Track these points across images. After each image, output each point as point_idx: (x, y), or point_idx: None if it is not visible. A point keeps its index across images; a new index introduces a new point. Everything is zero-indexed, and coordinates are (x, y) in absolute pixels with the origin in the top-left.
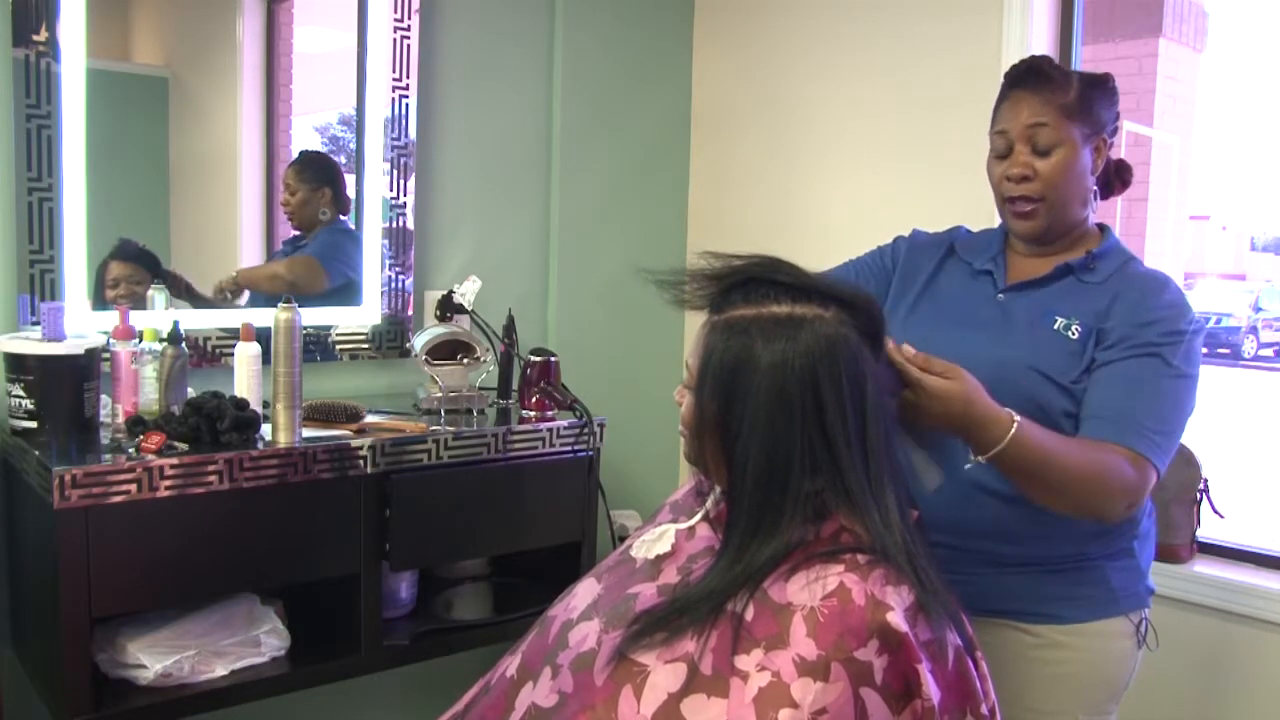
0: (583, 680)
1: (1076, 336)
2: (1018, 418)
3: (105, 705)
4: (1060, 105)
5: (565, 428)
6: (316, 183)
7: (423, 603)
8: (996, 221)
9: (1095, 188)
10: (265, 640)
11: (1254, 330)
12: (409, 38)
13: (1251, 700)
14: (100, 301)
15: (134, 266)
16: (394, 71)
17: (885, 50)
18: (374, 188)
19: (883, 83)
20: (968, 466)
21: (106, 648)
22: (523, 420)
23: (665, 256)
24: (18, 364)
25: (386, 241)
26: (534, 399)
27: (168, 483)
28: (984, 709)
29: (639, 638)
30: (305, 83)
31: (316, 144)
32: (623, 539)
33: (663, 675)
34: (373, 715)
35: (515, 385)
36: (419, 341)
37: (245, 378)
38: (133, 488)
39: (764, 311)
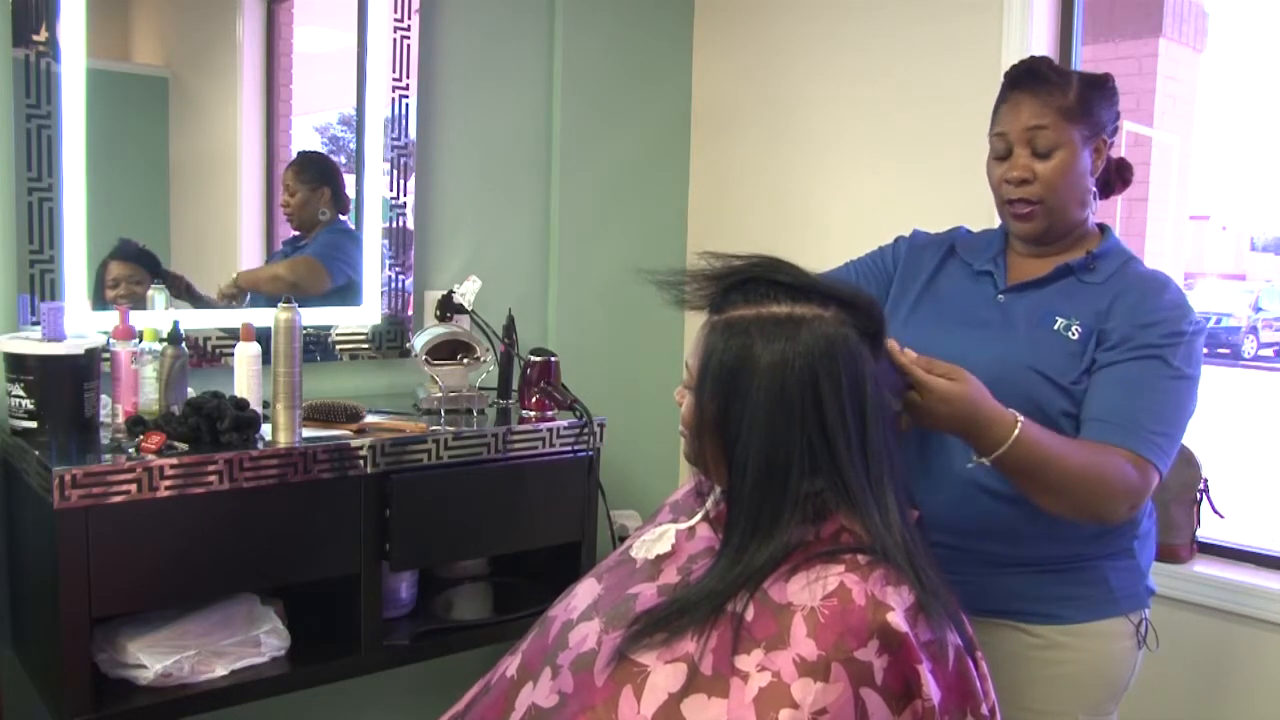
0: (583, 680)
1: (1077, 337)
2: (1021, 418)
3: (105, 705)
4: (1060, 108)
5: (565, 428)
6: (315, 183)
7: (423, 603)
8: (996, 222)
9: (1095, 189)
10: (265, 640)
11: (1254, 330)
12: (409, 38)
13: (1251, 700)
14: (100, 301)
15: (134, 266)
16: (394, 71)
17: (885, 50)
18: (374, 188)
19: (883, 83)
20: (970, 466)
21: (106, 648)
22: (523, 420)
23: (665, 256)
24: (18, 364)
25: (386, 241)
26: (534, 399)
27: (168, 483)
28: (984, 709)
29: (639, 638)
30: (305, 83)
31: (316, 144)
32: (623, 539)
33: (663, 675)
34: (373, 715)
35: (515, 385)
36: (419, 341)
37: (245, 378)
38: (133, 488)
39: (764, 311)
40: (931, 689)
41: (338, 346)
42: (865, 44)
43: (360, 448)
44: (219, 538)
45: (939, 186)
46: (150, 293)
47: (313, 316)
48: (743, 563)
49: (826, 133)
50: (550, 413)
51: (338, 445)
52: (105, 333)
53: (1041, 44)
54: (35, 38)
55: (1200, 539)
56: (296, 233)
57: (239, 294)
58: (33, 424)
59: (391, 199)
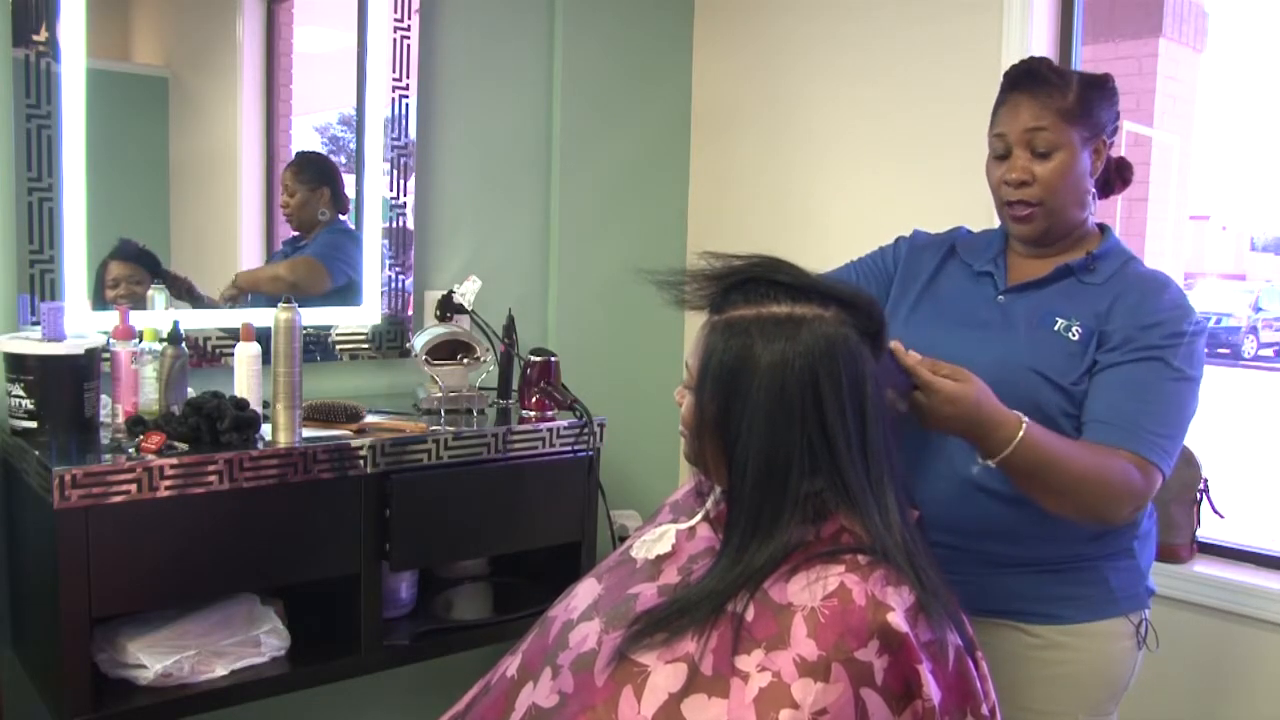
0: (583, 680)
1: (1077, 338)
2: (1026, 419)
3: (105, 705)
4: (1059, 109)
5: (565, 428)
6: (315, 183)
7: (423, 603)
8: (996, 222)
9: (1094, 189)
10: (265, 640)
11: (1254, 330)
12: (409, 38)
13: (1251, 700)
14: (100, 301)
15: (134, 266)
16: (394, 71)
17: (885, 50)
18: (374, 188)
19: (883, 83)
20: (975, 470)
21: (106, 648)
22: (523, 420)
23: (665, 256)
24: (18, 364)
25: (386, 241)
26: (534, 399)
27: (168, 483)
28: (984, 709)
29: (639, 638)
30: (305, 83)
31: (316, 144)
32: (623, 539)
33: (663, 675)
34: (373, 715)
35: (515, 385)
36: (419, 341)
37: (245, 378)
38: (133, 488)
39: (764, 312)
40: (932, 689)
41: (338, 346)
42: (865, 44)
43: (360, 448)
44: (219, 538)
45: (939, 186)
46: (150, 293)
47: (313, 316)
48: (743, 563)
49: (826, 133)
50: (550, 413)
51: (338, 445)
52: (105, 333)
53: (1041, 44)
54: (35, 38)
55: (1200, 539)
56: (296, 233)
57: (239, 295)
58: (33, 424)
59: (391, 199)
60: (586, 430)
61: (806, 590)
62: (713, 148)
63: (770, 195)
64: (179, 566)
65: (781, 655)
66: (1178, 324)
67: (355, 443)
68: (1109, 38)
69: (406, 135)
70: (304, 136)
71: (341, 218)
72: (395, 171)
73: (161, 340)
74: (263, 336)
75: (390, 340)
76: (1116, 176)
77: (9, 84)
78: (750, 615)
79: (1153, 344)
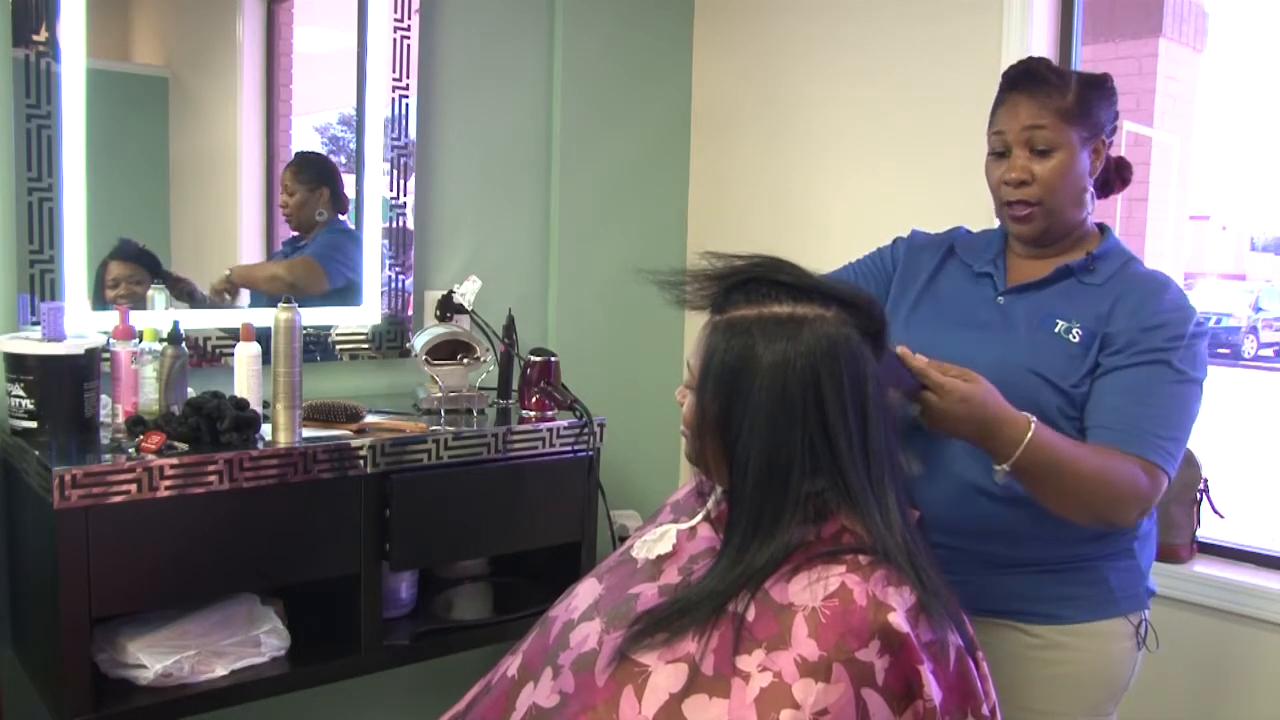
0: (584, 680)
1: (1078, 340)
2: (1034, 419)
3: (105, 705)
4: (1058, 109)
5: (565, 428)
6: (314, 183)
7: (423, 603)
8: (996, 222)
9: (1093, 189)
10: (265, 640)
11: (1254, 330)
12: (409, 38)
13: (1252, 700)
14: (100, 301)
15: (134, 266)
16: (394, 71)
17: (885, 50)
18: (374, 188)
19: (883, 83)
20: (998, 480)
21: (106, 648)
22: (523, 420)
23: (665, 256)
24: (18, 364)
25: (386, 241)
26: (534, 399)
27: (168, 483)
28: (985, 709)
29: (640, 638)
30: (305, 83)
31: (316, 144)
32: (623, 539)
33: (664, 675)
34: (373, 715)
35: (515, 385)
36: (419, 341)
37: (245, 378)
38: (133, 488)
39: (765, 311)
40: (933, 689)
41: (338, 346)
42: (865, 44)
43: (360, 448)
44: (219, 538)
45: (939, 186)
46: (150, 293)
47: (313, 316)
48: (744, 563)
49: (826, 133)
50: (550, 413)
51: (338, 445)
52: (105, 333)
53: (1041, 44)
54: (35, 38)
55: (1200, 539)
56: (296, 233)
57: (232, 289)
58: (33, 424)
59: (391, 199)
60: (586, 430)
61: (808, 590)
62: (713, 148)
63: (770, 195)
64: (179, 566)
65: (782, 655)
66: (1180, 326)
67: (355, 443)
68: (1109, 38)
69: (406, 135)
70: (304, 136)
71: (341, 218)
72: (395, 171)
73: (161, 340)
74: (263, 336)
75: (390, 340)
76: (1116, 176)
77: (9, 84)
78: (751, 615)
79: (1156, 347)
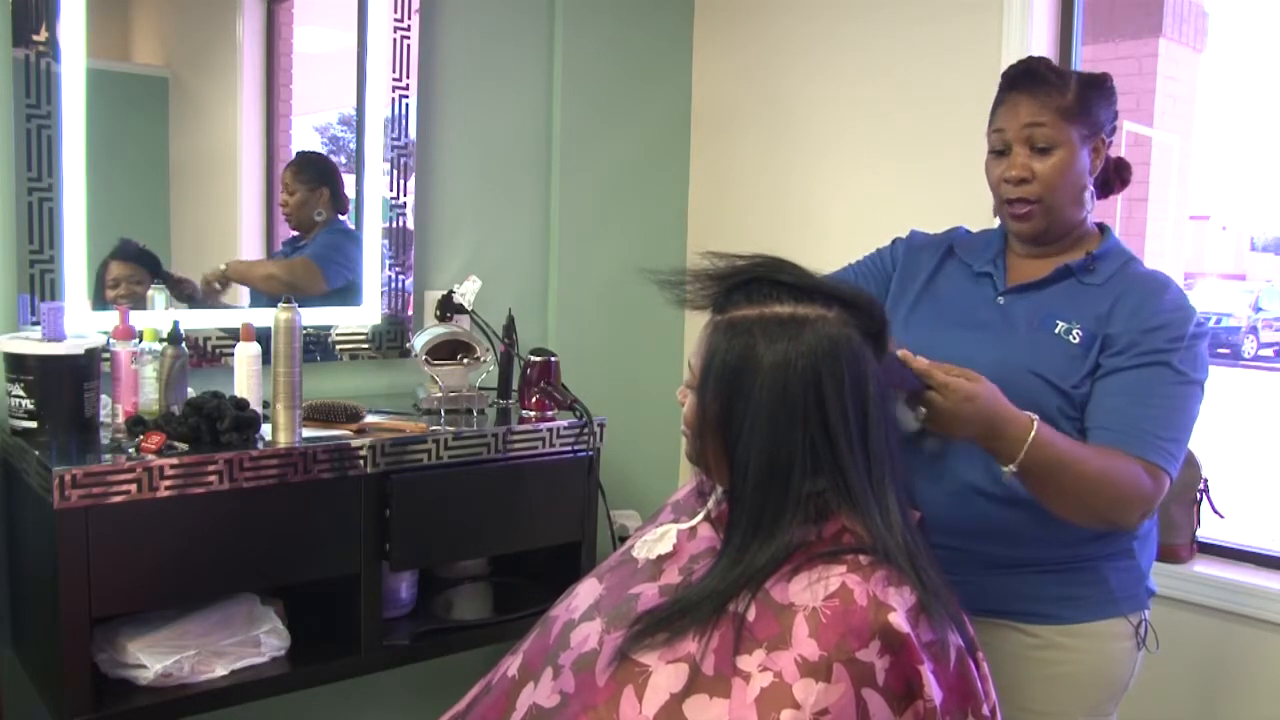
0: (584, 680)
1: (1078, 341)
2: (1036, 417)
3: (105, 705)
4: (1058, 107)
5: (565, 428)
6: (314, 183)
7: (423, 603)
8: (996, 222)
9: (1093, 188)
10: (265, 640)
11: (1254, 330)
12: (409, 38)
13: (1252, 700)
14: (100, 301)
15: (134, 266)
16: (394, 71)
17: (885, 50)
18: (374, 188)
19: (883, 83)
20: (1004, 480)
21: (106, 648)
22: (523, 420)
23: (665, 256)
24: (18, 364)
25: (386, 241)
26: (534, 399)
27: (168, 483)
28: (985, 710)
29: (641, 638)
30: (305, 83)
31: (316, 144)
32: (623, 539)
33: (664, 675)
34: (373, 715)
35: (515, 385)
36: (419, 341)
37: (245, 378)
38: (133, 488)
39: (767, 311)
40: (933, 689)
41: (338, 346)
42: (865, 44)
43: (360, 448)
44: (219, 538)
45: (939, 186)
46: (150, 293)
47: (313, 316)
48: (744, 563)
49: (826, 133)
50: (550, 413)
51: (338, 445)
52: (105, 333)
53: (1041, 44)
54: (35, 38)
55: (1200, 539)
56: (296, 233)
57: (225, 282)
58: (33, 424)
59: (391, 199)
60: (586, 430)
61: (808, 590)
62: (713, 148)
63: (770, 195)
64: (179, 566)
65: (783, 655)
66: (1180, 327)
67: (355, 443)
68: (1109, 38)
69: (406, 135)
70: (304, 136)
71: (341, 218)
72: (395, 171)
73: (161, 340)
74: (263, 336)
75: (390, 340)
76: (1115, 177)
77: (9, 84)
78: (752, 615)
79: (1157, 348)
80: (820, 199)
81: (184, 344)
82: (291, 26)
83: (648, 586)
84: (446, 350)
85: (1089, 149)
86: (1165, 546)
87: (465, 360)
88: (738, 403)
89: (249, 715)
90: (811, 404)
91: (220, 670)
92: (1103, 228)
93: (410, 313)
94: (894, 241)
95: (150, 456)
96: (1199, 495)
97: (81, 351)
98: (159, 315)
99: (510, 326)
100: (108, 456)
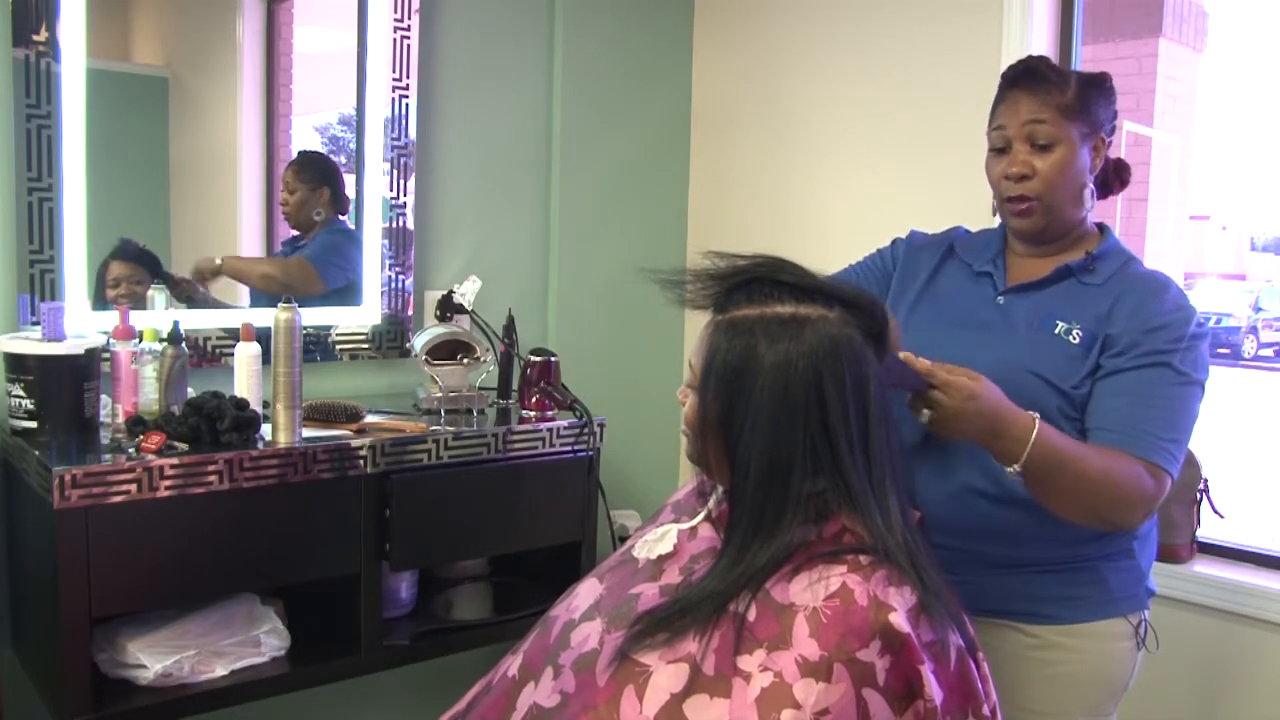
0: (585, 680)
1: (1078, 341)
2: (1037, 416)
3: (105, 705)
4: (1058, 105)
5: (565, 428)
6: (315, 183)
7: (423, 603)
8: (996, 221)
9: (1093, 187)
10: (265, 640)
11: (1254, 330)
12: (409, 38)
13: (1252, 700)
14: (100, 301)
15: (134, 266)
16: (394, 71)
17: (885, 50)
18: (374, 188)
19: (883, 83)
20: (1008, 479)
21: (106, 648)
22: (523, 420)
23: (665, 256)
24: (18, 364)
25: (386, 241)
26: (534, 399)
27: (168, 483)
28: (985, 710)
29: (641, 638)
30: (305, 83)
31: (316, 144)
32: (623, 539)
33: (665, 675)
34: (373, 715)
35: (515, 385)
36: (419, 341)
37: (245, 378)
38: (133, 488)
39: (768, 311)
40: (934, 689)
41: (338, 346)
42: (865, 44)
43: (360, 448)
44: (219, 538)
45: (939, 186)
46: (150, 293)
47: (313, 316)
48: (745, 563)
49: (826, 133)
50: (550, 413)
51: (338, 445)
52: (105, 333)
53: (1041, 44)
54: (35, 38)
55: (1200, 539)
56: (296, 232)
57: (215, 273)
58: (33, 424)
59: (391, 199)
60: (586, 430)
61: (808, 590)
62: (713, 148)
63: (770, 195)
64: (179, 566)
65: (783, 655)
66: (1181, 327)
67: (355, 443)
68: (1109, 38)
69: (406, 135)
70: (304, 136)
71: (341, 218)
72: (395, 171)
73: (161, 340)
74: (263, 336)
75: (390, 340)
76: (1115, 178)
77: (9, 84)
78: (752, 615)
79: (1157, 349)
80: (820, 199)
81: (184, 344)
82: (291, 26)
83: (648, 586)
84: (446, 350)
85: (1089, 147)
86: (1165, 546)
87: (465, 360)
88: (739, 402)
89: (249, 715)
90: (812, 404)
91: (220, 670)
92: (1102, 227)
93: (410, 313)
94: (894, 242)
95: (150, 456)
96: (1199, 495)
97: (81, 351)
98: (159, 315)
99: (510, 326)
100: (108, 456)
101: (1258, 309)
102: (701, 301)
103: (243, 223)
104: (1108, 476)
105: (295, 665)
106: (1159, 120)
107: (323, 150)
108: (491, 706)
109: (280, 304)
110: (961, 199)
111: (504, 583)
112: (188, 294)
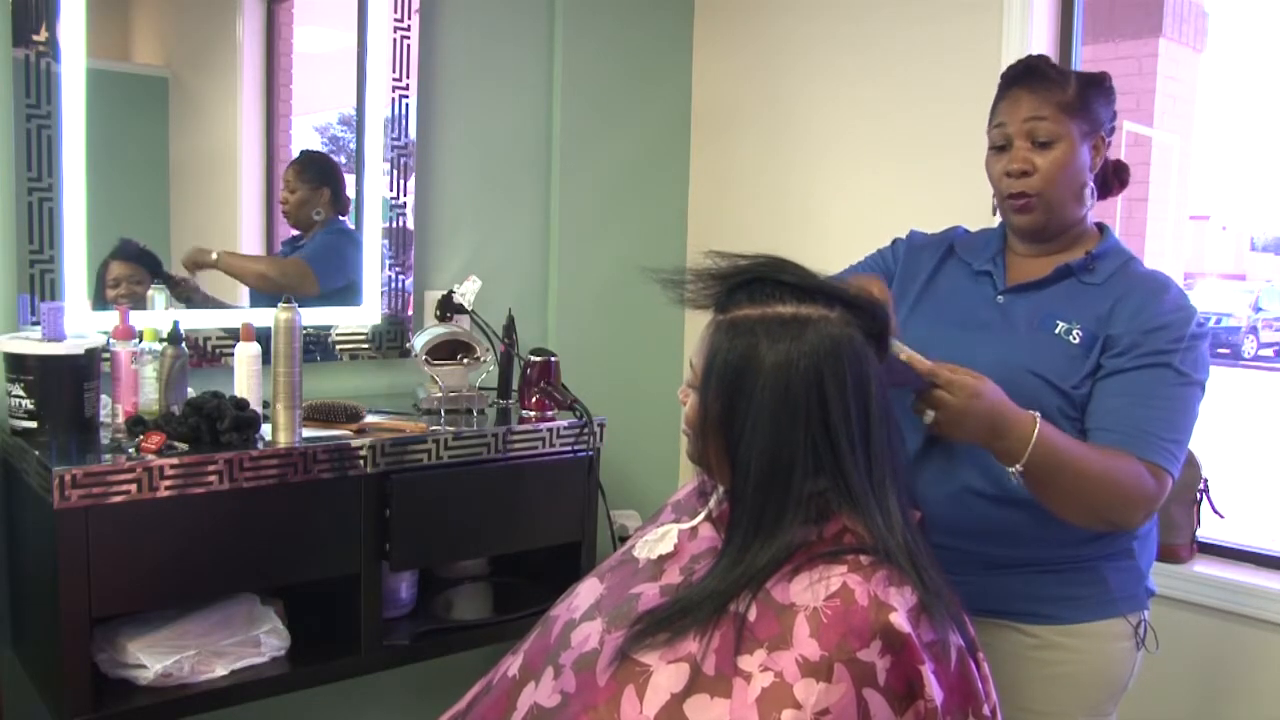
0: (585, 680)
1: (1078, 341)
2: (1038, 415)
3: (105, 705)
4: (1059, 102)
5: (565, 428)
6: (316, 182)
7: (423, 603)
8: (996, 221)
9: (1093, 186)
10: (265, 640)
11: (1254, 330)
12: (409, 38)
13: (1252, 700)
14: (100, 301)
15: (134, 266)
16: (394, 71)
17: (885, 50)
18: (374, 188)
19: (883, 83)
20: (1010, 481)
21: (106, 648)
22: (523, 420)
23: (665, 256)
24: (18, 364)
25: (386, 241)
26: (534, 399)
27: (168, 483)
28: (986, 710)
29: (641, 638)
30: (305, 83)
31: (316, 144)
32: (623, 539)
33: (665, 675)
34: (373, 715)
35: (515, 385)
36: (419, 341)
37: (245, 378)
38: (133, 488)
39: (769, 311)
40: (934, 689)
41: (338, 346)
42: (865, 44)
43: (360, 448)
44: (219, 538)
45: (939, 186)
46: (150, 293)
47: (313, 316)
48: (745, 563)
49: (826, 133)
50: (550, 413)
51: (338, 445)
52: (105, 333)
53: (1041, 44)
54: (35, 38)
55: (1200, 539)
56: (296, 232)
57: (204, 265)
58: (33, 424)
59: (391, 199)
60: (586, 430)
61: (809, 590)
62: (713, 148)
63: (770, 195)
64: (179, 566)
65: (784, 655)
66: (1181, 327)
67: (355, 443)
68: (1109, 38)
69: (406, 135)
70: (304, 136)
71: (341, 218)
72: (395, 171)
73: (161, 340)
74: (263, 336)
75: (390, 340)
76: (1114, 178)
77: (9, 84)
78: (753, 615)
79: (1158, 349)
80: (820, 199)
81: (184, 344)
82: (291, 26)
83: (649, 586)
84: (446, 350)
85: (1089, 145)
86: (1165, 546)
87: (465, 360)
88: (739, 402)
89: (249, 715)
90: (813, 404)
91: (220, 670)
92: (1102, 227)
93: (410, 313)
94: (894, 242)
95: (150, 456)
96: (1199, 495)
97: (81, 351)
98: (159, 315)
99: (510, 326)
100: (108, 456)
101: (1258, 309)
102: (702, 301)
103: (243, 223)
104: (1108, 476)
105: (295, 665)
106: (1159, 120)
107: (323, 150)
108: (492, 706)
109: (280, 304)
110: (961, 199)
111: (504, 583)
112: (188, 294)
